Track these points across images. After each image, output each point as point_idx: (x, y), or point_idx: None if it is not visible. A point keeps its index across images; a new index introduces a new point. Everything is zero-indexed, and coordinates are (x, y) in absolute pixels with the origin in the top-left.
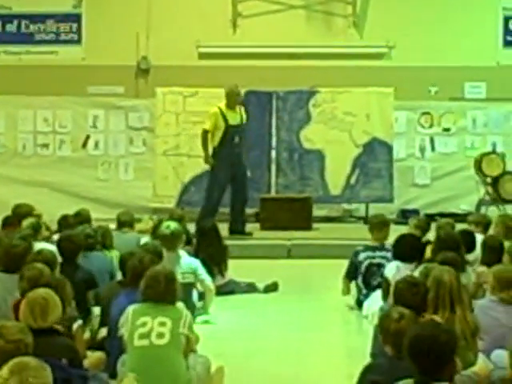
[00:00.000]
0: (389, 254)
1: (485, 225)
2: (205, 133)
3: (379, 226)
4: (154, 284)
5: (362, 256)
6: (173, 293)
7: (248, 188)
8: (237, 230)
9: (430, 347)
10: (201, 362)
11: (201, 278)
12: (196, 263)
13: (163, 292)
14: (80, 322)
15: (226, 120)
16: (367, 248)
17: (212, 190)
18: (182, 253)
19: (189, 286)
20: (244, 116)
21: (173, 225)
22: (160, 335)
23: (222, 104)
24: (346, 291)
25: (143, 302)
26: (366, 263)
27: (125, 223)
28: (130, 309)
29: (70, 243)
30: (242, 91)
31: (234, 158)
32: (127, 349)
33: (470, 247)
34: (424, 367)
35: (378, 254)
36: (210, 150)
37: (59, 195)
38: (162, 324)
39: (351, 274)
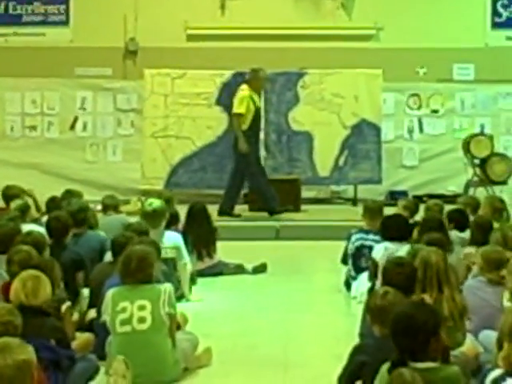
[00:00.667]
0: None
1: (474, 206)
2: (239, 116)
3: (374, 214)
4: (126, 263)
5: (354, 237)
6: (146, 271)
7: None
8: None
9: (407, 326)
10: (188, 339)
11: (181, 255)
12: (179, 240)
13: (135, 270)
14: (68, 303)
15: (254, 103)
16: (361, 231)
17: (254, 168)
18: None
19: (172, 261)
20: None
21: (155, 202)
22: (141, 320)
23: (246, 87)
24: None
25: (121, 285)
26: (357, 244)
27: (109, 206)
28: (110, 293)
29: (57, 223)
30: (229, 73)
31: (257, 141)
32: (111, 334)
33: (463, 226)
34: (402, 346)
35: (371, 237)
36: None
37: (48, 177)
38: (142, 308)
39: (345, 259)
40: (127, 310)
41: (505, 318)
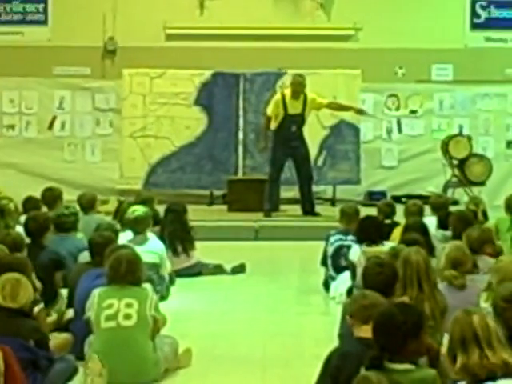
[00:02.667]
0: None
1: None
2: (266, 117)
3: (351, 218)
4: (116, 266)
5: (332, 238)
6: (135, 274)
7: (311, 166)
8: (307, 210)
9: (387, 324)
10: (168, 343)
11: (163, 264)
12: (162, 248)
13: (125, 273)
14: (41, 305)
15: (285, 108)
16: (339, 232)
17: (270, 168)
18: (151, 235)
19: (153, 266)
20: (308, 103)
21: (138, 210)
22: (127, 316)
23: (288, 91)
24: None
25: (108, 285)
26: (335, 245)
27: (87, 206)
28: (96, 291)
29: (35, 223)
30: (209, 73)
31: (292, 140)
32: (94, 331)
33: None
34: (381, 345)
35: (349, 237)
36: (270, 134)
37: (25, 177)
38: (129, 305)
39: (324, 261)
40: (114, 306)
41: (452, 327)
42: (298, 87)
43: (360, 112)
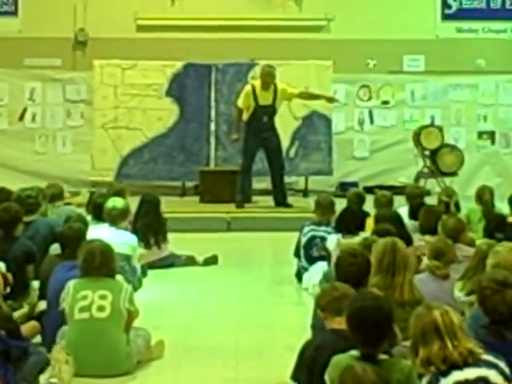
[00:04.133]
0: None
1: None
2: (237, 109)
3: (325, 209)
4: (90, 258)
5: (305, 229)
6: (109, 265)
7: (283, 157)
8: (279, 201)
9: (371, 319)
10: (141, 335)
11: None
12: (135, 239)
13: (99, 265)
14: None
15: (256, 100)
16: (313, 223)
17: (242, 159)
18: (127, 229)
19: (126, 258)
20: (278, 94)
21: (117, 202)
22: (100, 308)
23: (258, 82)
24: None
25: (82, 277)
26: (308, 235)
27: (55, 196)
28: (71, 283)
29: (7, 214)
30: (180, 64)
31: (263, 131)
32: (68, 322)
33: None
34: (367, 339)
35: (322, 228)
36: (242, 125)
37: None
38: (103, 297)
39: (297, 252)
40: (88, 297)
41: (414, 323)
42: (268, 78)
43: (331, 100)
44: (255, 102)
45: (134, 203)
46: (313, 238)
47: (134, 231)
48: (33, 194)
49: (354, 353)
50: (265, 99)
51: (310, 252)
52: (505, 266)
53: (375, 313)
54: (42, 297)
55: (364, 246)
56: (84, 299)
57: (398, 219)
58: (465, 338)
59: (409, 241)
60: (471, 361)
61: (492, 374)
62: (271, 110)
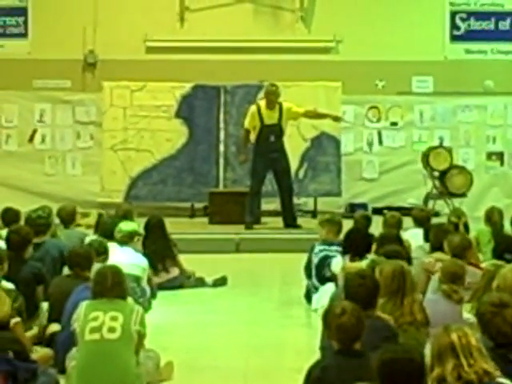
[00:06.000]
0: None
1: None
2: (244, 130)
3: (335, 225)
4: (101, 280)
5: (317, 249)
6: (121, 287)
7: (291, 178)
8: (288, 222)
9: (403, 372)
10: (150, 357)
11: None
12: (145, 261)
13: (111, 287)
14: (18, 318)
15: (261, 119)
16: (324, 242)
17: (251, 181)
18: (137, 250)
19: (136, 279)
20: (284, 113)
21: (127, 225)
22: (111, 329)
23: (263, 102)
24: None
25: (94, 299)
26: (320, 255)
27: (67, 219)
28: (84, 304)
29: (17, 236)
30: (189, 85)
31: (272, 152)
32: (78, 343)
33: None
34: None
35: (334, 248)
36: (250, 147)
37: (6, 190)
38: (114, 318)
39: (308, 271)
40: (99, 318)
41: (432, 344)
42: (272, 96)
43: (337, 119)
44: (261, 122)
45: (143, 225)
46: (325, 257)
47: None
48: (43, 214)
49: None
50: (270, 118)
51: (322, 272)
52: (504, 287)
53: (408, 365)
54: (51, 318)
55: (371, 268)
56: (95, 320)
57: (398, 240)
58: (482, 358)
59: (410, 261)
60: (487, 380)
61: None
62: (277, 129)
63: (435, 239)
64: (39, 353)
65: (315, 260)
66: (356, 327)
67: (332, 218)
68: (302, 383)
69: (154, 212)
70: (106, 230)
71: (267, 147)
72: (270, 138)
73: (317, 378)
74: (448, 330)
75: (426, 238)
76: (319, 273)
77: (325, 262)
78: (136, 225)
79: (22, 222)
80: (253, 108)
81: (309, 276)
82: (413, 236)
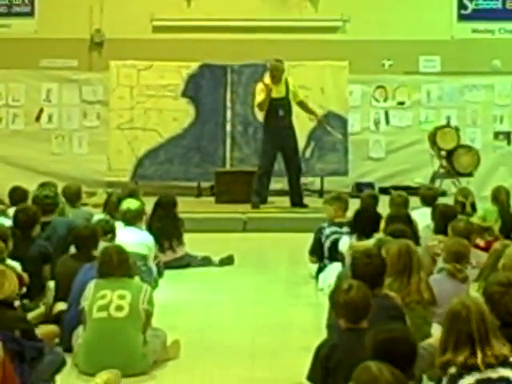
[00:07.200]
0: None
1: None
2: (258, 106)
3: (343, 203)
4: (107, 260)
5: (328, 231)
6: (127, 265)
7: (299, 158)
8: (295, 202)
9: (398, 350)
10: (156, 335)
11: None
12: (151, 240)
13: (117, 265)
14: (18, 302)
15: (269, 94)
16: (333, 224)
17: (260, 160)
18: (143, 229)
19: (143, 258)
20: (290, 87)
21: (133, 203)
22: (119, 308)
23: (268, 78)
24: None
25: (102, 277)
26: (332, 238)
27: (72, 198)
28: (92, 282)
29: (25, 215)
30: (196, 64)
31: (281, 130)
32: (86, 321)
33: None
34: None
35: (345, 230)
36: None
37: (13, 169)
38: (122, 297)
39: (317, 252)
40: (107, 296)
41: (450, 323)
42: (276, 72)
43: (319, 121)
44: (269, 97)
45: (149, 204)
46: (337, 240)
47: (149, 232)
48: (50, 194)
49: None
50: (278, 92)
51: (334, 254)
52: (511, 265)
53: (402, 344)
54: (57, 297)
55: (377, 247)
56: (103, 298)
57: (408, 219)
58: (497, 342)
59: (417, 241)
60: (496, 362)
61: None
62: (286, 104)
63: (440, 221)
64: (44, 329)
65: (327, 243)
66: (363, 303)
67: (339, 196)
68: (310, 362)
69: (160, 191)
70: (114, 209)
71: (277, 123)
72: (279, 113)
73: (325, 356)
74: (468, 310)
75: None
76: (332, 255)
77: (338, 244)
78: (141, 203)
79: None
80: (259, 85)
81: (320, 258)
82: (420, 215)
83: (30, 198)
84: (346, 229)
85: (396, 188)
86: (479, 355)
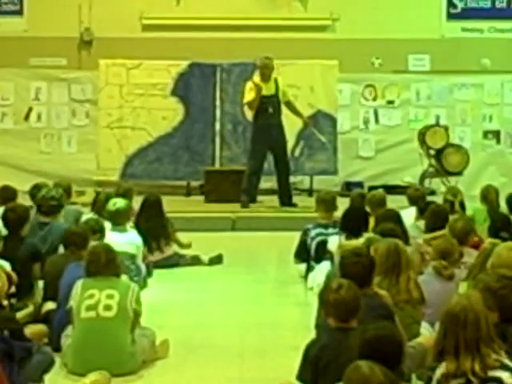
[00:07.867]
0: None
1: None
2: (247, 104)
3: (329, 205)
4: (95, 259)
5: (313, 232)
6: (114, 264)
7: (288, 158)
8: (284, 201)
9: (385, 349)
10: (145, 335)
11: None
12: (139, 239)
13: (105, 264)
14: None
15: (259, 91)
16: (318, 225)
17: (250, 160)
18: (130, 229)
19: (131, 257)
20: (280, 86)
21: (119, 202)
22: (107, 307)
23: (257, 77)
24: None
25: (89, 277)
26: (317, 239)
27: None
28: (80, 282)
29: (14, 214)
30: (185, 63)
31: (271, 128)
32: (74, 321)
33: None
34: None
35: (330, 231)
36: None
37: (1, 168)
38: (110, 296)
39: (303, 254)
40: (95, 296)
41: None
42: (265, 70)
43: (306, 124)
44: (258, 94)
45: (138, 203)
46: (323, 242)
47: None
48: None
49: None
50: (267, 89)
51: (320, 256)
52: (499, 264)
53: (389, 343)
54: (46, 296)
55: (366, 246)
56: (91, 298)
57: (398, 218)
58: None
59: (407, 240)
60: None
61: (505, 376)
62: (275, 101)
63: (432, 221)
64: (32, 329)
65: (313, 245)
66: (353, 301)
67: (324, 197)
68: (300, 362)
69: (150, 190)
70: (102, 208)
71: (266, 121)
72: (269, 110)
73: (314, 356)
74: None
75: (421, 215)
76: (318, 257)
77: (323, 247)
78: (128, 202)
79: (18, 200)
80: (249, 83)
81: (304, 260)
82: (406, 215)
83: (26, 197)
84: (331, 230)
85: (385, 187)
86: (468, 364)
